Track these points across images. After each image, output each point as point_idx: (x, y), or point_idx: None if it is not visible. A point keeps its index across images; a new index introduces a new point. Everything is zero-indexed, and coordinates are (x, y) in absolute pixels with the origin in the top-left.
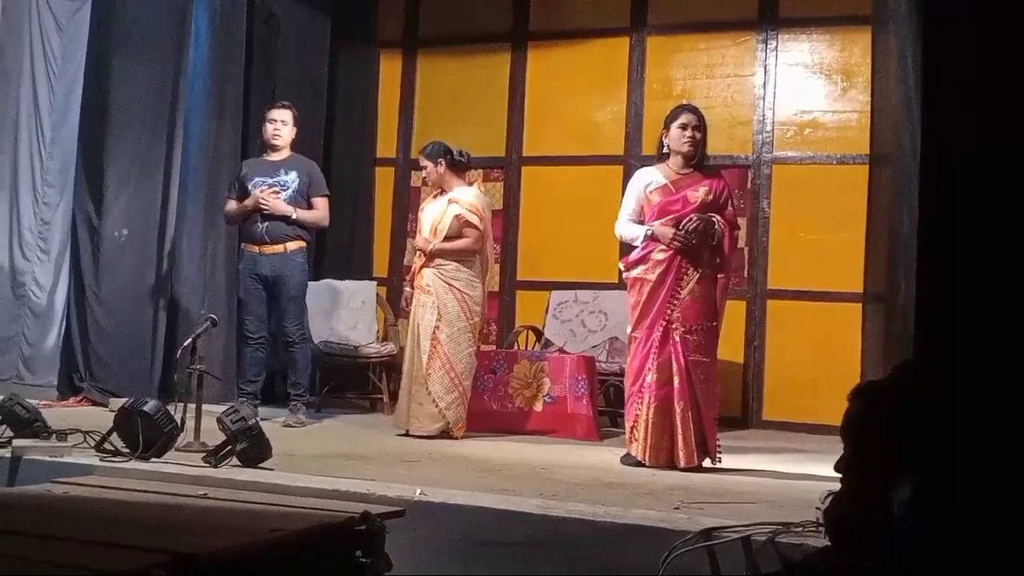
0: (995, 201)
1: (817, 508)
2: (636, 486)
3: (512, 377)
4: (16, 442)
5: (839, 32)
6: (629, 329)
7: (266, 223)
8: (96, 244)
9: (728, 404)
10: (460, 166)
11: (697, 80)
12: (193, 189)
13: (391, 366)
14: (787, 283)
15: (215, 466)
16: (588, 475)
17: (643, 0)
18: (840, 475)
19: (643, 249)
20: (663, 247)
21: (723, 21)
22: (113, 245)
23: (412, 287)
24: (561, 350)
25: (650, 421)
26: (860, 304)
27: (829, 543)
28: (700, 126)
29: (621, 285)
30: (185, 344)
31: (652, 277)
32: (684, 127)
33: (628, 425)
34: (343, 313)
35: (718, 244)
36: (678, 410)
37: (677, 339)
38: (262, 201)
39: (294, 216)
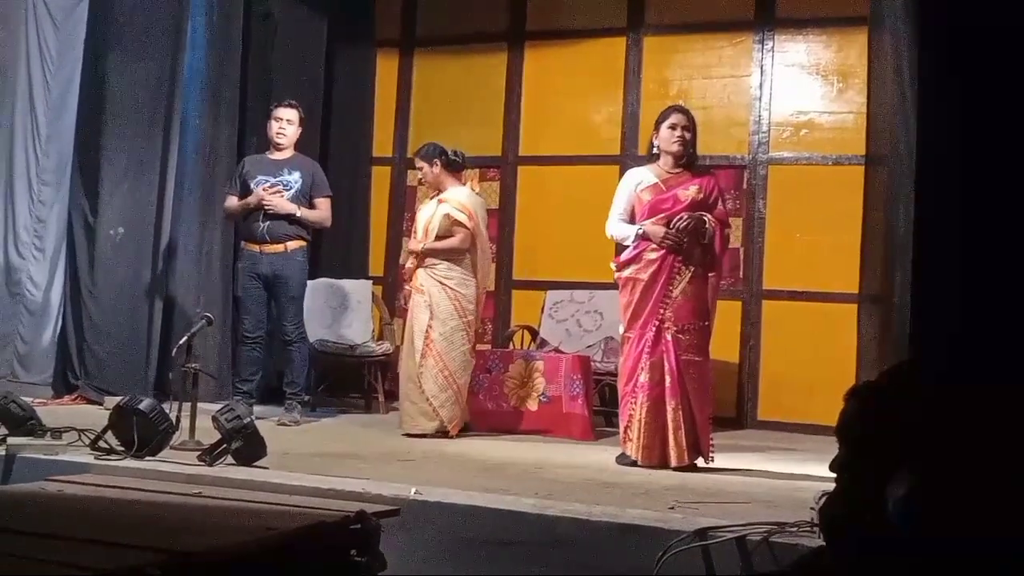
0: (990, 201)
1: (812, 508)
2: (631, 486)
3: (507, 376)
4: (11, 440)
5: (835, 33)
6: (621, 329)
7: (267, 222)
8: (92, 242)
9: (723, 404)
10: (455, 166)
11: (693, 80)
12: (189, 188)
13: (387, 365)
14: (782, 283)
15: (210, 465)
16: (583, 475)
17: (640, 0)
18: (835, 475)
19: (634, 249)
20: (654, 246)
21: (720, 22)
22: (109, 243)
23: (410, 287)
24: (556, 350)
25: (643, 421)
26: (855, 305)
27: (823, 543)
28: (690, 126)
29: (616, 285)
30: (180, 342)
31: (644, 277)
32: (674, 127)
33: (622, 425)
34: (339, 312)
35: (709, 243)
36: (669, 409)
37: (669, 339)
38: (267, 200)
39: (298, 215)
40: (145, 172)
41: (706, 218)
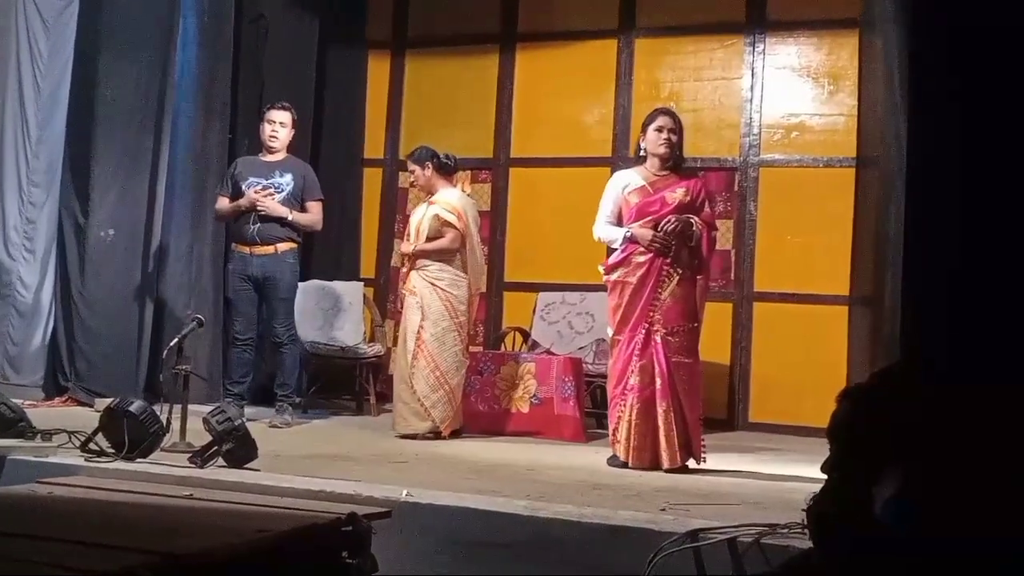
0: (981, 203)
1: (803, 510)
2: (622, 487)
3: (499, 378)
4: (1, 442)
5: (826, 35)
6: (610, 332)
7: (258, 224)
8: (82, 243)
9: (714, 406)
10: (447, 169)
11: (685, 83)
12: (180, 189)
13: (378, 367)
14: (773, 286)
15: (201, 467)
16: (574, 476)
17: (631, 2)
18: (826, 476)
19: (622, 252)
20: (642, 249)
21: (711, 24)
22: (99, 245)
23: (404, 289)
24: (548, 351)
25: (633, 423)
26: (846, 307)
27: (812, 544)
28: (676, 128)
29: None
30: (171, 344)
31: (633, 280)
32: (660, 130)
33: (611, 427)
34: (331, 314)
35: (696, 245)
36: (660, 411)
37: (659, 341)
38: (259, 203)
39: (290, 218)
40: (136, 173)
41: (693, 221)
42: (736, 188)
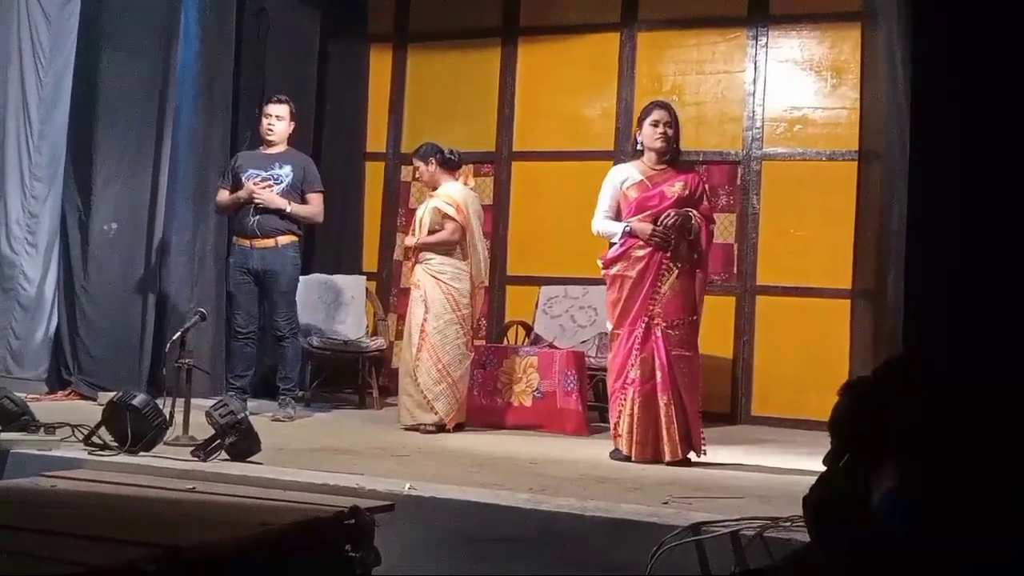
0: (984, 197)
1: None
2: (625, 481)
3: (501, 372)
4: (4, 436)
5: (829, 29)
6: (610, 326)
7: (258, 216)
8: (85, 238)
9: (717, 399)
10: (450, 164)
11: (687, 76)
12: (182, 183)
13: (381, 360)
14: (776, 279)
15: (204, 460)
16: (577, 470)
17: None
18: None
19: (622, 246)
20: (642, 243)
21: (713, 17)
22: (102, 239)
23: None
24: (551, 345)
25: (635, 417)
26: (849, 300)
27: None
28: (672, 122)
29: None
30: (174, 338)
31: (632, 274)
32: (656, 124)
33: (612, 422)
34: (333, 308)
35: (695, 239)
36: (662, 404)
37: (659, 334)
38: (256, 194)
39: (288, 209)
40: (138, 167)
41: (692, 214)
42: (739, 182)
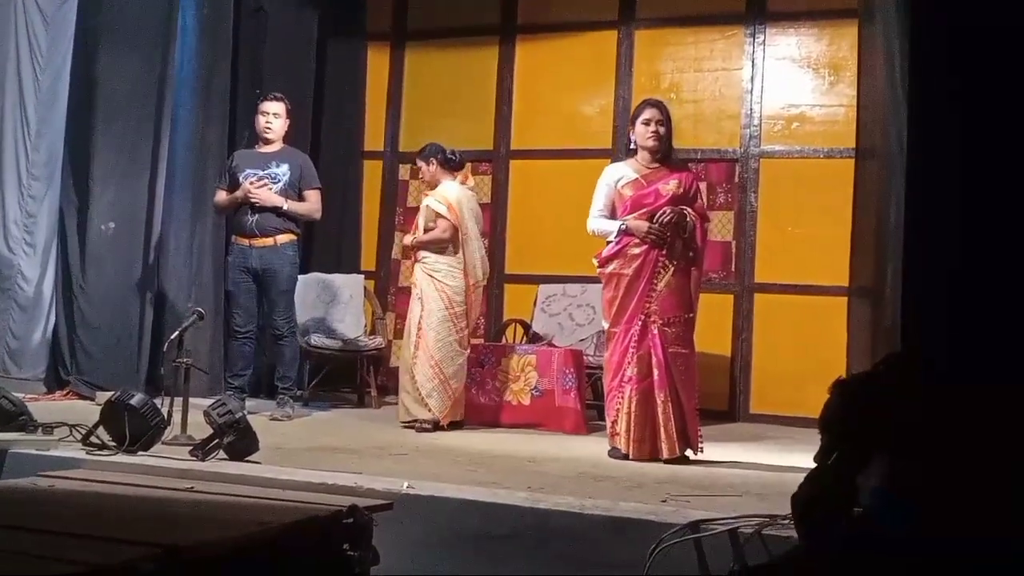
0: (982, 194)
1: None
2: (623, 479)
3: (500, 370)
4: (2, 436)
5: (827, 26)
6: (606, 325)
7: (256, 215)
8: (83, 237)
9: (715, 397)
10: (451, 164)
11: (685, 74)
12: (180, 182)
13: (379, 359)
14: (774, 277)
15: (202, 459)
16: (575, 468)
17: None
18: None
19: (617, 244)
20: (637, 241)
21: (711, 15)
22: (100, 238)
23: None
24: (549, 343)
25: (633, 414)
26: (847, 298)
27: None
28: (664, 120)
29: None
30: (172, 337)
31: (628, 271)
32: (648, 123)
33: (609, 420)
34: (331, 307)
35: (690, 237)
36: (659, 402)
37: (656, 332)
38: (252, 193)
39: (285, 207)
40: (136, 166)
41: (687, 212)
42: (736, 179)
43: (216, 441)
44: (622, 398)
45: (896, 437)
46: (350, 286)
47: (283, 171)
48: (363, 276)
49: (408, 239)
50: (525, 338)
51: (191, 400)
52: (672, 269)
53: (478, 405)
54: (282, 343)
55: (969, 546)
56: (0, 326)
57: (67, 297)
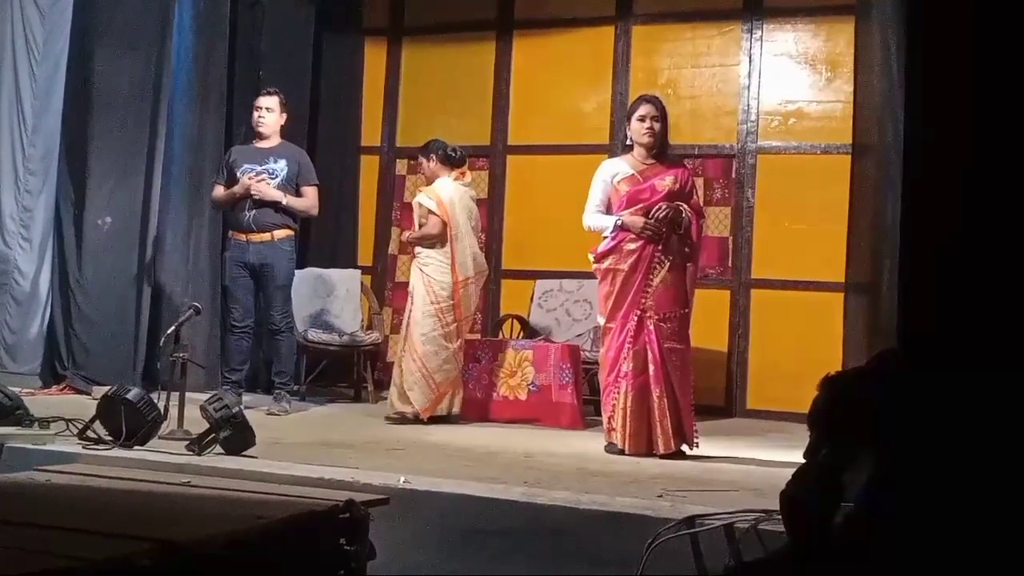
0: (979, 190)
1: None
2: (620, 474)
3: (497, 366)
4: None
5: (824, 22)
6: (602, 320)
7: (253, 211)
8: (79, 232)
9: (712, 393)
10: (450, 160)
11: (682, 70)
12: (177, 177)
13: (376, 354)
14: (771, 273)
15: (199, 454)
16: (572, 463)
17: None
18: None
19: (613, 239)
20: (633, 237)
21: (708, 11)
22: (96, 233)
23: None
24: (546, 339)
25: (628, 410)
26: (844, 293)
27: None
28: (659, 116)
29: None
30: (168, 332)
31: (624, 267)
32: (643, 119)
33: (605, 415)
34: (328, 302)
35: (686, 232)
36: (655, 397)
37: (651, 327)
38: (252, 188)
39: (284, 202)
40: (132, 161)
41: (683, 208)
42: (734, 175)
43: (213, 436)
44: (618, 393)
45: (883, 429)
46: (347, 281)
47: (280, 167)
48: (360, 271)
49: (406, 235)
50: (522, 333)
51: (188, 395)
52: (668, 265)
53: (475, 400)
54: (279, 338)
55: (949, 546)
56: None
57: (63, 292)
